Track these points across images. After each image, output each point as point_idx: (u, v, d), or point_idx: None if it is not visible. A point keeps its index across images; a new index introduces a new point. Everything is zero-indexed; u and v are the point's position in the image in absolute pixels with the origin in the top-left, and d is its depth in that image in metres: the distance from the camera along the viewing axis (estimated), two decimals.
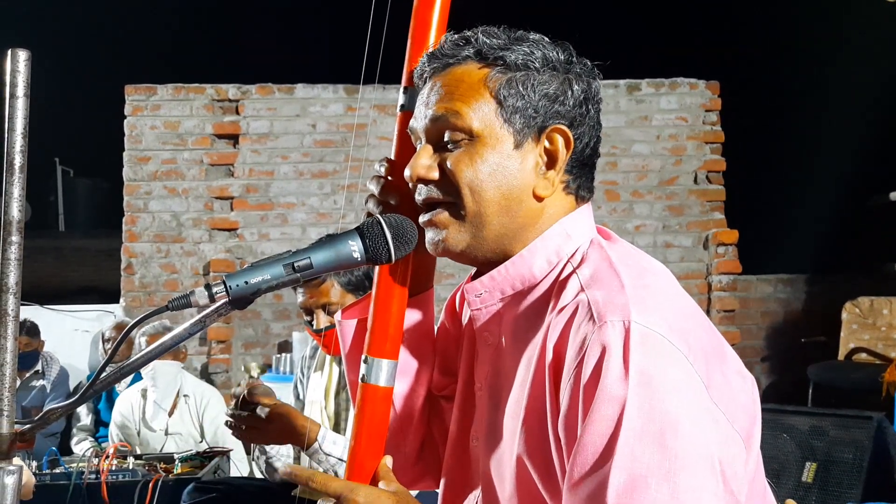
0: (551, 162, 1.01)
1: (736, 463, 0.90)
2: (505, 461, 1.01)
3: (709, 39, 6.94)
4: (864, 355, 4.97)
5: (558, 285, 0.99)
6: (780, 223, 6.56)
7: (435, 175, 1.02)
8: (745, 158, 5.77)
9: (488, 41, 1.01)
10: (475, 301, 1.05)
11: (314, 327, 2.30)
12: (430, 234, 1.04)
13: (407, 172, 1.04)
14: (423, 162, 1.02)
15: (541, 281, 1.02)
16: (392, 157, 1.12)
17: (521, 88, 1.00)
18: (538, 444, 0.95)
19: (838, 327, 5.13)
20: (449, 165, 1.00)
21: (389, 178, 1.10)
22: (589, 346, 0.88)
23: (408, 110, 1.11)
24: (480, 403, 1.09)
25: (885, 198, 5.77)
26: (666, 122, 5.52)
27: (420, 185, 1.03)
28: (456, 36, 1.04)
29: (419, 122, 1.04)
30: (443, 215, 1.02)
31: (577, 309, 0.93)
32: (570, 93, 1.01)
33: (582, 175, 1.04)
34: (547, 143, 1.01)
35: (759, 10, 7.04)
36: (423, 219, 1.04)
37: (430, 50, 1.06)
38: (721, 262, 5.42)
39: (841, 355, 5.07)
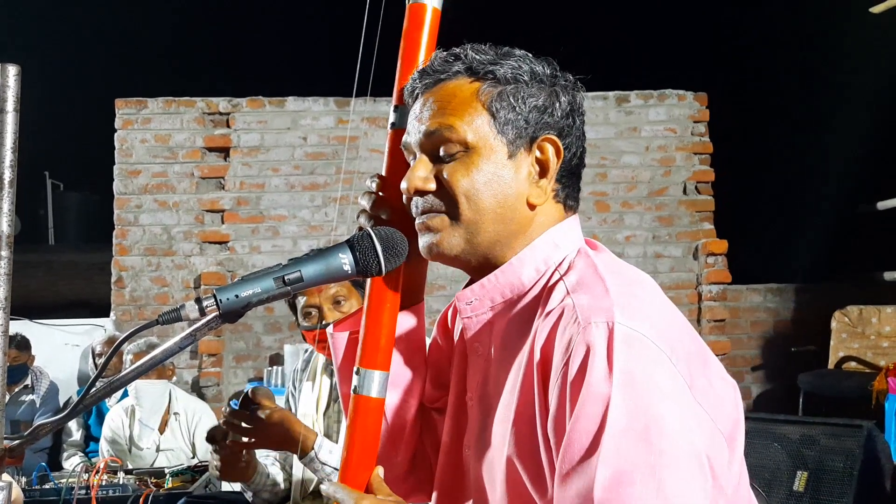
0: (543, 171, 1.04)
1: (721, 459, 0.93)
2: (496, 465, 1.02)
3: (696, 50, 6.99)
4: (853, 364, 4.99)
5: (546, 292, 1.01)
6: (770, 233, 6.59)
7: (432, 186, 1.04)
8: (733, 169, 5.80)
9: (477, 56, 1.04)
10: (466, 309, 1.07)
11: (323, 322, 2.24)
12: (424, 238, 1.05)
13: (403, 185, 1.05)
14: (420, 174, 1.04)
15: (529, 289, 1.04)
16: (383, 174, 1.14)
17: (511, 101, 1.02)
18: (528, 445, 0.96)
19: (828, 336, 5.15)
20: (445, 176, 1.02)
21: (381, 193, 1.11)
22: (574, 346, 0.90)
23: (398, 128, 1.12)
24: (472, 413, 1.10)
25: (874, 207, 5.81)
26: (655, 133, 5.54)
27: (416, 198, 1.05)
28: (445, 53, 1.07)
29: (413, 136, 1.06)
30: (437, 219, 1.03)
31: (563, 312, 0.95)
32: (557, 104, 1.04)
33: (570, 185, 1.07)
34: (538, 153, 1.04)
35: (747, 20, 7.10)
36: (418, 222, 1.06)
37: (421, 67, 1.08)
38: (711, 272, 5.44)
39: (831, 364, 5.08)
